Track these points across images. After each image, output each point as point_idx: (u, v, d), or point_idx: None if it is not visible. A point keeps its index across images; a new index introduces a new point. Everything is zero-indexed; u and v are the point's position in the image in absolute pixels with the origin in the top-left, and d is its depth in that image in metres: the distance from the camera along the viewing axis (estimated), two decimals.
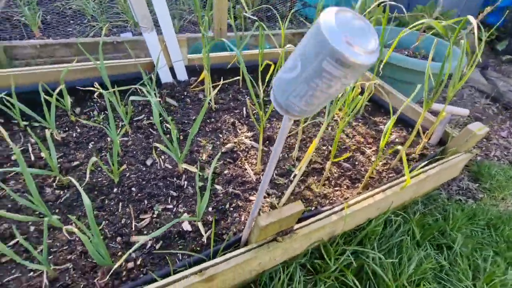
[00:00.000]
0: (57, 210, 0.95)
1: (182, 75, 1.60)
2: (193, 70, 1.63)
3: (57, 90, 1.15)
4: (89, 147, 1.19)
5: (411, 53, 2.11)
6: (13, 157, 1.09)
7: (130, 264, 0.84)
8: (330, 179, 1.23)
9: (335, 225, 0.97)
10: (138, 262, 0.85)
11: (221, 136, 1.35)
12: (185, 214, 0.98)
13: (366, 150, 1.43)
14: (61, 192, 1.00)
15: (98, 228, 0.91)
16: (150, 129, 1.32)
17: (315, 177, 1.22)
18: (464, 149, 1.32)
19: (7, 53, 1.73)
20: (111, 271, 0.79)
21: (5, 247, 0.69)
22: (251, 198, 1.08)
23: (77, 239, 0.88)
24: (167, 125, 1.36)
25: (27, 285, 0.76)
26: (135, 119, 1.36)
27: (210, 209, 1.02)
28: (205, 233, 0.92)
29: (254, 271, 0.85)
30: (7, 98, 1.11)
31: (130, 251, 0.71)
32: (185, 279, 0.68)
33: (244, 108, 1.56)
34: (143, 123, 1.33)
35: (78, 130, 1.24)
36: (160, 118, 1.38)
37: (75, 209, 0.96)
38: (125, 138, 1.25)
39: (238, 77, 1.70)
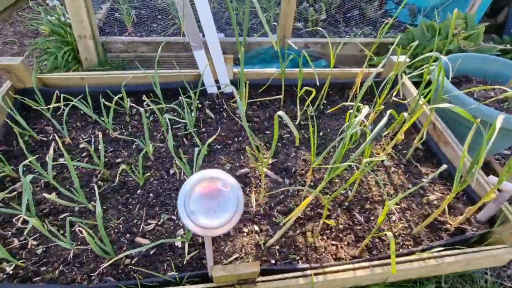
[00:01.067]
0: (94, 199, 1.23)
1: (227, 88, 1.71)
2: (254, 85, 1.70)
3: (117, 97, 1.42)
4: (133, 147, 1.44)
5: (499, 92, 1.69)
6: (81, 145, 1.42)
7: (128, 261, 1.05)
8: (333, 229, 1.18)
9: None
10: (133, 261, 1.05)
11: (242, 158, 1.43)
12: (181, 230, 1.13)
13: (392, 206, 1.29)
14: (102, 184, 1.28)
15: (117, 222, 1.15)
16: (184, 139, 1.50)
17: (318, 223, 1.20)
18: (510, 241, 1.06)
19: (104, 47, 2.14)
20: (112, 261, 1.01)
21: (43, 228, 0.96)
22: (244, 230, 1.15)
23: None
24: (200, 135, 1.51)
25: (59, 254, 1.05)
26: (174, 126, 1.55)
27: None
28: (188, 254, 1.05)
29: None
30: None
31: (128, 252, 0.90)
32: None
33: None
34: (179, 133, 1.52)
35: (130, 130, 1.51)
36: (195, 130, 1.53)
37: (108, 200, 1.22)
38: (161, 144, 1.46)
39: (280, 96, 1.71)
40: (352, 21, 2.76)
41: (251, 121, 1.62)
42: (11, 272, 1.00)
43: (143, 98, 1.62)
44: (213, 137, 1.38)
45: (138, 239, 1.11)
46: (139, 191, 1.26)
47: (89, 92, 1.45)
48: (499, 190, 1.13)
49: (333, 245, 1.14)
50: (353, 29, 2.65)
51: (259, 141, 1.52)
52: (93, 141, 1.44)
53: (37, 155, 1.34)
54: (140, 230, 1.13)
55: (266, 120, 1.64)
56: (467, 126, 1.59)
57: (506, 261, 1.16)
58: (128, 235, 1.12)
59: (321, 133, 1.61)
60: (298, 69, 1.72)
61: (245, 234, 1.14)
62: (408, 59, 1.76)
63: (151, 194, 1.25)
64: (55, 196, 1.19)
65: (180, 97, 1.51)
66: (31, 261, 1.03)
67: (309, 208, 1.24)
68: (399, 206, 1.29)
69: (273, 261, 1.05)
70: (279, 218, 1.20)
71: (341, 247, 1.13)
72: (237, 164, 1.39)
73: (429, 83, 1.75)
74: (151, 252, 1.07)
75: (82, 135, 1.46)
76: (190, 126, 1.45)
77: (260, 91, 1.73)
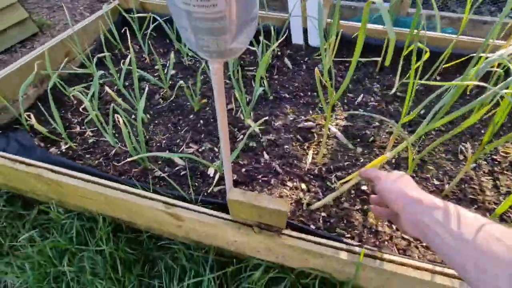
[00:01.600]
0: (151, 112, 1.21)
1: (314, 40, 1.48)
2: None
3: None
4: (202, 77, 1.38)
5: None
6: (156, 66, 1.44)
7: (157, 173, 0.97)
8: None
9: (343, 267, 0.68)
10: (163, 175, 0.96)
11: (310, 112, 1.20)
12: (218, 161, 0.99)
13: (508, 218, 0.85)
14: (162, 101, 1.25)
15: (162, 137, 1.10)
16: (252, 81, 1.36)
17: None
18: None
19: None
20: (141, 167, 0.95)
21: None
22: (288, 183, 0.93)
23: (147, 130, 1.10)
24: (271, 81, 1.34)
25: (104, 148, 1.05)
26: (247, 68, 1.42)
27: (243, 170, 0.97)
28: (215, 186, 0.90)
29: (231, 245, 0.77)
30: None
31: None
32: (154, 202, 0.72)
33: (362, 95, 1.27)
34: (250, 73, 1.38)
35: (203, 62, 1.46)
36: (267, 75, 1.37)
37: (161, 117, 1.19)
38: (228, 81, 1.36)
39: (378, 58, 1.38)
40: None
41: (332, 80, 1.35)
42: (64, 150, 1.06)
43: None
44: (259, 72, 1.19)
45: (175, 158, 1.02)
46: (191, 115, 1.18)
47: None
48: None
49: (404, 239, 0.80)
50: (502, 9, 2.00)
51: (338, 101, 1.25)
52: (167, 65, 1.45)
53: (118, 67, 1.42)
54: (180, 150, 1.05)
55: (351, 82, 1.34)
56: None
57: None
58: (167, 152, 1.04)
59: (422, 111, 1.22)
60: (407, 30, 1.36)
61: (287, 188, 0.92)
62: None
63: (201, 121, 1.15)
64: (121, 100, 1.22)
65: (260, 38, 1.37)
66: (82, 146, 1.07)
67: None
68: None
69: (313, 227, 0.80)
70: (335, 184, 0.93)
71: (416, 247, 0.79)
72: (303, 117, 1.17)
73: None
74: (182, 173, 0.97)
75: (161, 59, 1.49)
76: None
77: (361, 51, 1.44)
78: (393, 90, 1.30)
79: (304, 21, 1.45)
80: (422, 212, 0.44)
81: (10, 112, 1.11)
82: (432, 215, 0.43)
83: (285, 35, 1.42)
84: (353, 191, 0.91)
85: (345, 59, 1.44)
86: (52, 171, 0.79)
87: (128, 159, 0.87)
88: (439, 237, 0.41)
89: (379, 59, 1.37)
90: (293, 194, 0.89)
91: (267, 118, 1.16)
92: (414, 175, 0.97)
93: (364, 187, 0.92)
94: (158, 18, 1.39)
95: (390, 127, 1.14)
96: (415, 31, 1.07)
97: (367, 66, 1.42)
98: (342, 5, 1.99)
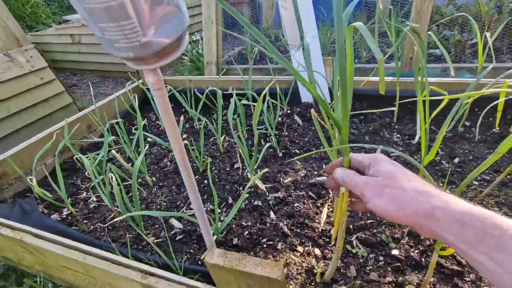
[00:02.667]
0: (157, 175, 1.18)
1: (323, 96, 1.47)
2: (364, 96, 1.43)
3: (205, 92, 1.45)
4: (211, 139, 1.38)
5: None
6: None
7: (152, 239, 0.87)
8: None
9: None
10: (158, 241, 0.86)
11: (324, 167, 1.09)
12: (220, 224, 0.88)
13: None
14: (169, 164, 1.23)
15: (163, 199, 1.03)
16: (262, 139, 1.32)
17: (434, 279, 0.66)
18: None
19: (224, 72, 2.41)
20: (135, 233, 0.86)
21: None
22: (299, 249, 0.77)
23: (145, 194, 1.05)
24: (281, 138, 1.29)
25: (103, 213, 1.00)
26: (258, 127, 1.41)
27: (245, 233, 0.84)
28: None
29: None
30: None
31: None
32: (128, 270, 0.60)
33: (381, 146, 1.16)
34: (261, 132, 1.36)
35: (214, 126, 1.48)
36: (276, 132, 1.34)
37: (166, 179, 1.15)
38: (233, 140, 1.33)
39: (393, 108, 1.31)
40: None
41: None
42: (64, 215, 1.02)
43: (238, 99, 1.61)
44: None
45: (172, 221, 0.93)
46: (196, 176, 1.13)
47: (192, 91, 1.56)
48: None
49: None
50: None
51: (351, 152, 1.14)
52: (180, 129, 1.49)
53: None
54: (181, 211, 0.96)
55: (368, 134, 1.25)
56: None
57: None
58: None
59: (456, 160, 1.06)
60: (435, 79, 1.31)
61: (297, 254, 0.75)
62: None
63: (205, 181, 1.09)
64: (130, 165, 1.22)
65: (268, 99, 1.39)
66: (82, 211, 1.02)
67: (418, 251, 0.73)
68: None
69: None
70: (357, 249, 0.75)
71: None
72: (315, 172, 1.06)
73: None
74: (178, 238, 0.86)
75: None
76: (268, 127, 1.27)
77: (372, 103, 1.39)
78: (416, 139, 1.17)
79: (310, 77, 1.47)
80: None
81: (25, 181, 1.14)
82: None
83: (289, 94, 1.43)
84: (381, 257, 0.73)
85: (358, 112, 1.38)
86: (34, 235, 0.74)
87: (115, 219, 0.80)
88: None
89: (395, 109, 1.29)
90: (303, 262, 0.72)
91: (279, 175, 1.07)
92: None
93: (395, 252, 0.73)
94: (173, 89, 1.50)
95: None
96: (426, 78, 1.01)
97: (383, 117, 1.34)
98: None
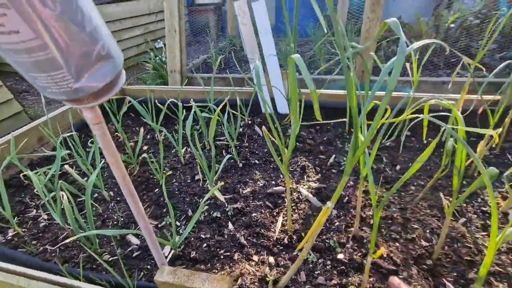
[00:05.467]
0: (115, 189, 1.15)
1: (283, 108, 1.55)
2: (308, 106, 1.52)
3: (167, 103, 1.45)
4: (172, 151, 1.38)
5: None
6: (129, 144, 1.46)
7: (107, 257, 0.85)
8: None
9: None
10: (113, 259, 0.84)
11: (281, 177, 1.15)
12: (178, 237, 0.89)
13: None
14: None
15: (121, 214, 1.02)
16: (223, 150, 1.35)
17: (373, 279, 0.74)
18: None
19: (188, 81, 2.41)
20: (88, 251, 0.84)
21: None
22: (254, 258, 0.81)
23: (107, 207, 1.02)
24: (242, 149, 1.33)
25: (54, 232, 0.96)
26: (218, 138, 1.44)
27: (204, 245, 0.86)
28: (170, 264, 0.78)
29: None
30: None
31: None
32: None
33: (334, 156, 1.25)
34: (222, 143, 1.39)
35: (175, 138, 1.48)
36: (237, 143, 1.38)
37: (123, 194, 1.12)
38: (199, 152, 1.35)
39: (345, 119, 1.41)
40: (455, 65, 2.31)
41: (303, 142, 1.35)
42: (9, 237, 0.96)
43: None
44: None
45: (130, 237, 0.92)
46: (156, 189, 1.12)
47: (154, 102, 1.54)
48: None
49: None
50: (459, 72, 2.18)
51: (308, 162, 1.21)
52: (140, 142, 1.46)
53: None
54: (137, 228, 0.95)
55: (322, 144, 1.34)
56: None
57: None
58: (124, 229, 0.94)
59: (397, 167, 1.17)
60: (369, 91, 1.43)
61: (252, 263, 0.79)
62: None
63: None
64: (85, 180, 1.18)
65: (228, 109, 1.43)
66: (31, 231, 0.97)
67: (360, 254, 0.80)
68: None
69: None
70: (309, 256, 0.80)
71: None
72: (273, 182, 1.11)
73: None
74: (135, 254, 0.85)
75: (135, 136, 1.52)
76: (229, 138, 1.31)
77: (328, 114, 1.49)
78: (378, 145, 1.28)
79: (270, 91, 1.54)
80: None
81: None
82: None
83: (250, 105, 1.49)
84: (328, 261, 0.79)
85: (314, 122, 1.47)
86: None
87: (67, 240, 0.77)
88: None
89: (347, 120, 1.40)
90: (257, 271, 0.76)
91: (238, 186, 1.10)
92: (398, 236, 0.85)
93: (340, 256, 0.79)
94: (132, 100, 1.47)
95: (366, 185, 1.07)
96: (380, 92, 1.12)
97: (337, 128, 1.44)
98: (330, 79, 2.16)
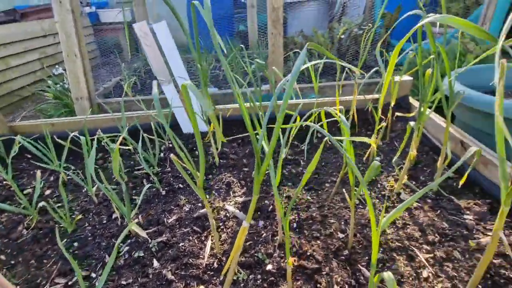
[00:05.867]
0: (8, 251, 0.95)
1: (202, 126, 1.54)
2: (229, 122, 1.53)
3: (70, 137, 1.29)
4: (82, 190, 1.22)
5: None
6: (25, 191, 1.24)
7: None
8: None
9: None
10: None
11: (207, 197, 1.13)
12: None
13: (419, 253, 0.84)
14: (25, 232, 1.02)
15: (16, 281, 0.84)
16: (144, 180, 1.26)
17: (300, 282, 0.77)
18: None
19: (100, 107, 2.20)
20: None
21: None
22: None
23: None
24: (164, 175, 1.26)
25: None
26: (137, 167, 1.34)
27: None
28: None
29: None
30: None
31: None
32: None
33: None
34: (142, 172, 1.29)
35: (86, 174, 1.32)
36: (159, 169, 1.31)
37: (22, 252, 0.94)
38: (115, 186, 1.23)
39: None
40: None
41: (226, 158, 1.36)
42: None
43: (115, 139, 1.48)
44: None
45: None
46: (64, 240, 0.97)
47: (58, 137, 1.35)
48: None
49: None
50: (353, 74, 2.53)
51: (232, 177, 1.22)
52: (38, 187, 1.26)
53: None
54: None
55: (245, 157, 1.37)
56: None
57: None
58: None
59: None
60: (280, 101, 1.54)
61: None
62: (411, 78, 1.51)
63: (75, 244, 0.95)
64: None
65: (143, 135, 1.35)
66: None
67: (286, 260, 0.84)
68: (430, 255, 0.83)
69: None
70: (240, 275, 0.80)
71: None
72: (200, 204, 1.08)
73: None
74: None
75: (33, 181, 1.30)
76: (146, 166, 1.23)
77: (245, 128, 1.53)
78: (283, 156, 1.36)
79: (187, 111, 1.51)
80: None
81: None
82: None
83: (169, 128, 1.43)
84: (259, 275, 0.80)
85: (236, 136, 1.50)
86: None
87: None
88: None
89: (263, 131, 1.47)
90: None
91: (162, 216, 1.03)
92: (319, 234, 0.92)
93: (269, 267, 0.81)
94: (22, 140, 1.25)
95: (288, 190, 1.14)
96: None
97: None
98: (222, 93, 2.22)
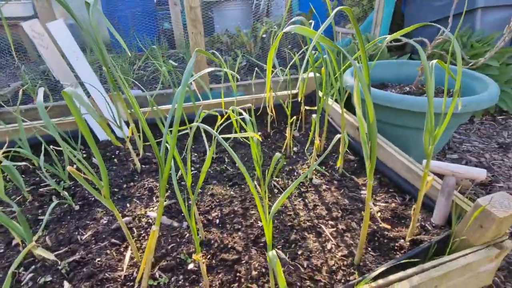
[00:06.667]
0: None
1: (121, 132, 1.45)
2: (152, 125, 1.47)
3: None
4: None
5: (414, 89, 1.61)
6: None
7: None
8: (243, 279, 0.80)
9: None
10: None
11: (128, 206, 1.08)
12: None
13: (325, 229, 0.96)
14: None
15: None
16: (53, 196, 1.14)
17: (221, 275, 0.81)
18: (482, 241, 0.75)
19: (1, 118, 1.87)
20: None
21: None
22: None
23: None
24: (78, 188, 1.16)
25: None
26: (43, 184, 1.20)
27: None
28: None
29: None
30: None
31: None
32: None
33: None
34: (50, 189, 1.16)
35: None
36: (72, 183, 1.19)
37: None
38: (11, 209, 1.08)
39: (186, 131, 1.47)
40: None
41: (149, 163, 1.32)
42: None
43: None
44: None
45: None
46: None
47: None
48: (439, 177, 0.87)
49: None
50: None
51: (156, 182, 1.19)
52: None
53: None
54: None
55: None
56: (397, 124, 1.42)
57: (489, 277, 0.81)
58: None
59: (236, 165, 1.33)
60: (200, 102, 1.56)
61: None
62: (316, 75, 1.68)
63: None
64: None
65: (50, 148, 1.21)
66: None
67: (210, 255, 0.87)
68: (334, 229, 0.96)
69: None
70: (159, 279, 0.80)
71: None
72: (120, 214, 1.03)
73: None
74: None
75: None
76: (51, 182, 1.12)
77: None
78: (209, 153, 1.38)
79: (98, 112, 1.41)
80: None
81: None
82: None
83: (80, 137, 1.32)
84: (181, 276, 0.81)
85: (159, 139, 1.46)
86: None
87: None
88: None
89: (188, 131, 1.47)
90: None
91: (75, 233, 0.95)
92: (240, 226, 0.97)
93: (191, 266, 0.83)
94: None
95: (212, 188, 1.17)
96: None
97: (182, 140, 1.49)
98: (148, 94, 2.13)
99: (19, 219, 0.79)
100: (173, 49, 3.61)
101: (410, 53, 2.32)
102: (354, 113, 1.52)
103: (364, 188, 1.15)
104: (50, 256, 0.85)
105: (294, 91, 1.70)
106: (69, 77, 1.25)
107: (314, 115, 1.17)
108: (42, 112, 0.64)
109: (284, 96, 1.66)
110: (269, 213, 0.59)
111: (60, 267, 0.84)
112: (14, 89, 2.33)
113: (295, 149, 1.44)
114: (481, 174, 0.80)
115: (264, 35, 2.69)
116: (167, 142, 0.68)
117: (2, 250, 0.91)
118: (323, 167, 1.28)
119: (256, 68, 2.41)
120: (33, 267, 0.85)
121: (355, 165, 1.30)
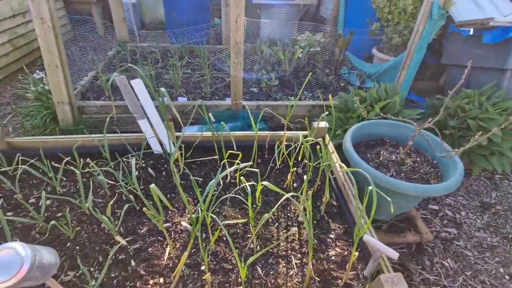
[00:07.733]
0: None
1: (171, 149, 1.97)
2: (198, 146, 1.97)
3: (67, 158, 1.68)
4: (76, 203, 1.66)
5: (400, 158, 1.89)
6: (30, 201, 1.65)
7: None
8: (232, 282, 1.31)
9: None
10: None
11: (169, 213, 1.62)
12: (93, 281, 1.29)
13: (293, 260, 1.42)
14: (39, 236, 1.47)
15: None
16: (123, 196, 1.72)
17: (220, 276, 1.33)
18: None
19: (80, 109, 2.50)
20: None
21: None
22: (150, 282, 1.30)
23: None
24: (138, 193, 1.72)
25: None
26: (117, 184, 1.78)
27: (114, 282, 1.30)
28: None
29: None
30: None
31: None
32: None
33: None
34: (117, 191, 1.74)
35: (78, 188, 1.74)
36: (132, 187, 1.76)
37: None
38: (101, 200, 1.68)
39: (215, 156, 1.95)
40: (306, 85, 3.12)
41: (186, 180, 1.84)
42: None
43: (97, 157, 1.88)
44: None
45: None
46: (68, 243, 1.44)
47: (49, 153, 1.72)
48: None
49: None
50: (304, 92, 2.98)
51: (189, 197, 1.72)
52: (43, 200, 1.67)
53: None
54: (58, 281, 1.29)
55: (202, 177, 1.86)
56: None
57: None
58: None
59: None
60: (227, 133, 2.00)
61: (149, 286, 1.28)
62: (327, 125, 2.02)
63: (77, 247, 1.43)
64: None
65: (122, 158, 1.77)
66: None
67: (215, 262, 1.39)
68: (299, 261, 1.42)
69: None
70: (185, 271, 1.35)
71: None
72: (164, 219, 1.58)
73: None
74: None
75: (35, 191, 1.70)
76: (120, 184, 1.67)
77: (209, 153, 1.98)
78: (228, 179, 1.86)
79: (157, 137, 1.93)
80: None
81: None
82: None
83: (143, 149, 1.86)
84: (197, 272, 1.35)
85: (195, 159, 1.96)
86: None
87: None
88: None
89: (217, 157, 1.94)
90: None
91: (136, 227, 1.52)
92: (239, 246, 1.48)
93: (202, 267, 1.36)
94: (24, 166, 1.63)
95: (226, 210, 1.66)
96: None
97: (211, 163, 1.98)
98: (212, 105, 2.59)
99: (107, 214, 1.36)
100: (220, 45, 3.97)
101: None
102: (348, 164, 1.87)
103: (333, 232, 1.57)
104: (123, 241, 1.43)
105: (305, 132, 2.06)
106: (140, 112, 1.75)
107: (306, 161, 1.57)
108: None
109: (297, 137, 2.04)
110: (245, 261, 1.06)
111: (129, 250, 1.42)
112: (90, 78, 2.93)
113: (295, 184, 1.86)
114: (394, 255, 1.19)
115: (300, 55, 2.95)
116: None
117: (96, 230, 1.51)
118: (314, 210, 1.71)
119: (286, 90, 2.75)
120: (115, 247, 1.44)
121: (335, 210, 1.70)
